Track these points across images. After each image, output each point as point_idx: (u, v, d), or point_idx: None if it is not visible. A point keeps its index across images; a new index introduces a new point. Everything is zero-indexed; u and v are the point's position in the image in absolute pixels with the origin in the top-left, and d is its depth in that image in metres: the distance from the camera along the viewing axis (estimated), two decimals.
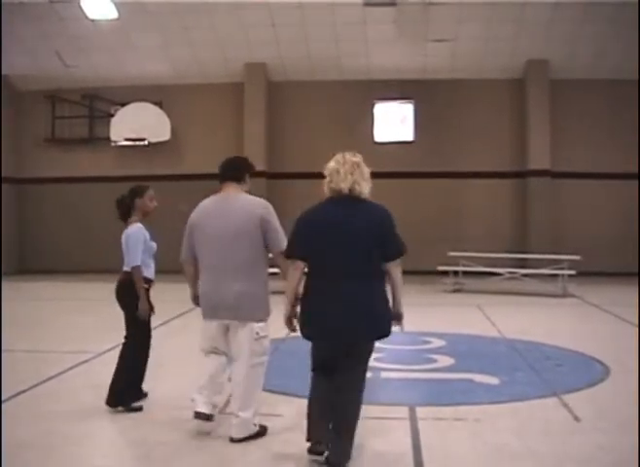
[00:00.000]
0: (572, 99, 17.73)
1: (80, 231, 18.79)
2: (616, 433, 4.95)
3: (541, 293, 13.86)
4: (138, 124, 17.66)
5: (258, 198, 4.93)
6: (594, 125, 17.74)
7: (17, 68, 17.90)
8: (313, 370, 4.52)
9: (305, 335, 4.41)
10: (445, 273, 14.44)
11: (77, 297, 14.08)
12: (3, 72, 17.75)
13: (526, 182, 17.94)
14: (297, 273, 4.42)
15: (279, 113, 18.55)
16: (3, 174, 18.19)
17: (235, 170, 4.98)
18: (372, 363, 6.80)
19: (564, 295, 13.51)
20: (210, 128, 18.64)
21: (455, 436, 4.93)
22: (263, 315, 4.81)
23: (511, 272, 14.94)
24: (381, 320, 4.33)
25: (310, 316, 4.34)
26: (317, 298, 4.31)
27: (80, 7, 15.56)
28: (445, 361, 7.45)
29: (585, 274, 14.50)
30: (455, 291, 14.22)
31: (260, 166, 17.49)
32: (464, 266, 14.59)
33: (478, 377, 6.70)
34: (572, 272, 13.65)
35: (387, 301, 4.35)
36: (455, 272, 14.56)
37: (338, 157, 4.52)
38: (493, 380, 6.60)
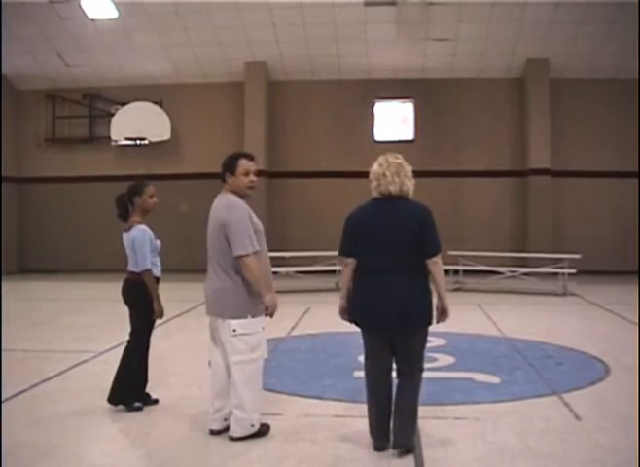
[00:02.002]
0: (572, 98, 17.75)
1: (80, 230, 18.81)
2: (617, 432, 4.94)
3: (541, 292, 13.87)
4: (138, 123, 17.67)
5: (227, 202, 4.81)
6: (594, 124, 17.75)
7: (18, 68, 17.92)
8: (366, 357, 4.76)
9: (355, 322, 4.70)
10: (446, 272, 14.32)
11: (77, 296, 14.08)
12: (3, 72, 17.78)
13: (526, 181, 17.95)
14: (347, 270, 4.70)
15: (280, 112, 18.57)
16: (3, 174, 18.22)
17: (221, 172, 4.96)
18: None
19: (565, 294, 13.51)
20: (210, 128, 18.65)
21: (456, 435, 4.92)
22: (240, 312, 4.75)
23: (511, 271, 14.94)
24: (415, 311, 4.51)
25: (357, 307, 4.64)
26: (363, 291, 4.60)
27: (80, 7, 15.57)
28: (446, 360, 7.46)
29: (585, 273, 14.53)
30: (456, 290, 14.22)
31: (260, 166, 17.46)
32: (464, 264, 14.59)
33: (478, 376, 6.71)
34: (572, 271, 13.65)
35: (426, 294, 4.54)
36: (456, 271, 14.56)
37: (381, 160, 4.69)
38: (494, 379, 6.60)
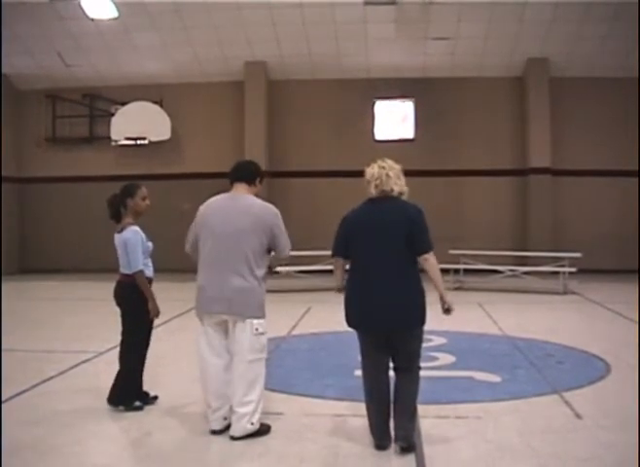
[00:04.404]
0: (572, 97, 17.74)
1: (81, 230, 18.80)
2: (618, 430, 4.94)
3: (542, 290, 13.87)
4: (139, 123, 17.67)
5: (266, 204, 5.00)
6: (594, 123, 17.73)
7: (18, 68, 17.92)
8: (362, 358, 4.78)
9: (350, 325, 4.74)
10: (446, 271, 14.35)
11: (77, 296, 14.09)
12: (4, 71, 17.78)
13: (527, 180, 17.95)
14: (338, 265, 4.84)
15: (280, 111, 18.55)
16: (4, 174, 18.21)
17: (248, 173, 5.10)
18: None
19: (565, 292, 13.51)
20: (210, 127, 18.65)
21: (457, 434, 4.92)
22: (261, 312, 4.85)
23: (512, 270, 14.93)
24: (410, 312, 4.57)
25: (352, 308, 4.68)
26: (357, 293, 4.66)
27: (80, 6, 15.55)
28: (447, 359, 7.45)
29: (585, 272, 14.52)
30: (456, 289, 14.21)
31: (260, 165, 17.50)
32: (465, 263, 14.58)
33: (479, 375, 6.71)
34: (573, 270, 13.66)
35: (419, 294, 4.60)
36: (456, 270, 14.55)
37: (381, 163, 4.80)
38: (494, 378, 6.60)
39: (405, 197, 4.73)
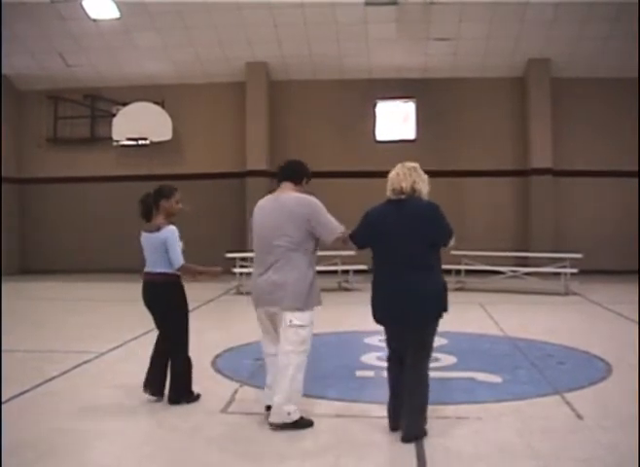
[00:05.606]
0: (573, 98, 17.73)
1: (81, 230, 18.82)
2: (618, 431, 4.93)
3: (543, 291, 13.86)
4: (140, 123, 17.67)
5: (303, 196, 5.14)
6: (595, 124, 17.74)
7: (19, 68, 17.94)
8: (388, 359, 5.07)
9: (375, 320, 4.97)
10: (448, 272, 14.34)
11: (78, 297, 14.08)
12: (4, 72, 17.79)
13: (528, 180, 17.95)
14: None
15: (281, 112, 18.56)
16: (5, 174, 18.24)
17: (294, 172, 5.32)
18: (374, 362, 6.84)
19: (566, 293, 13.49)
20: (212, 128, 18.66)
21: (457, 434, 4.92)
22: (299, 305, 4.98)
23: (513, 271, 14.90)
24: (425, 308, 4.76)
25: (376, 303, 4.93)
26: (379, 287, 4.90)
27: (81, 7, 15.57)
28: (448, 359, 7.44)
29: (587, 272, 14.50)
30: (457, 289, 14.19)
31: (261, 166, 17.53)
32: (466, 264, 14.57)
33: (480, 376, 6.70)
34: (574, 271, 13.64)
35: (436, 289, 4.77)
36: (457, 271, 14.54)
37: (398, 165, 5.03)
38: (495, 379, 6.60)
39: (424, 195, 4.97)
